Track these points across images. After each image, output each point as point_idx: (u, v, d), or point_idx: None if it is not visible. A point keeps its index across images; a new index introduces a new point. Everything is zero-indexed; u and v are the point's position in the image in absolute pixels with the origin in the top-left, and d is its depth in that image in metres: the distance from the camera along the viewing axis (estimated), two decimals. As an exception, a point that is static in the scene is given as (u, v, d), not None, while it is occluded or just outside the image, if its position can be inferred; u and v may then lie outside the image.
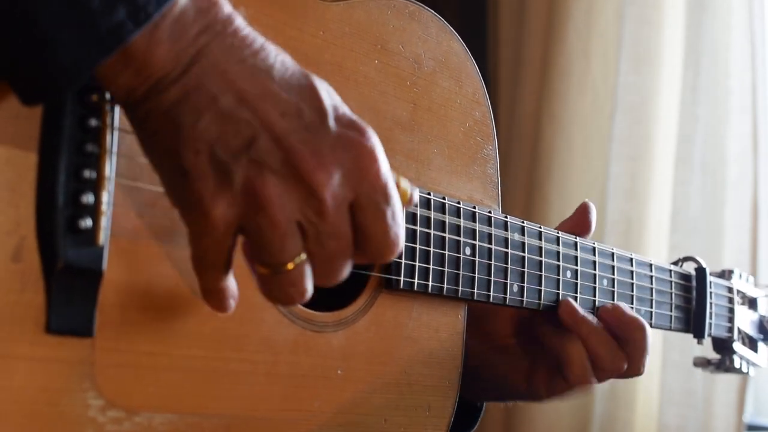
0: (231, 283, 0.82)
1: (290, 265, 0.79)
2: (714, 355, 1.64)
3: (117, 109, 0.80)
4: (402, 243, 0.83)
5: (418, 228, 1.07)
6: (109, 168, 0.79)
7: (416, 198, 0.88)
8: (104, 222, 0.79)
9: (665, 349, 2.38)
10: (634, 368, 1.25)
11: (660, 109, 2.46)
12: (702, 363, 1.65)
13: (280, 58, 0.78)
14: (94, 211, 0.78)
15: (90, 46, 0.70)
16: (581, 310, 1.24)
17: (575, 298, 1.26)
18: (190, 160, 0.75)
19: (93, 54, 0.71)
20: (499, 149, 1.24)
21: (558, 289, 1.23)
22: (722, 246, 2.41)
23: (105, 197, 0.79)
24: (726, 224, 2.42)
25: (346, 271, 0.83)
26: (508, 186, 2.57)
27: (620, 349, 1.24)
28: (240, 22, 0.77)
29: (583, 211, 1.32)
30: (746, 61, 2.43)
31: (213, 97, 0.75)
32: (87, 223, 0.78)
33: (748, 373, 1.67)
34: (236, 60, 0.76)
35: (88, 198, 0.78)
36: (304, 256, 0.80)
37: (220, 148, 0.75)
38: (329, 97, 0.80)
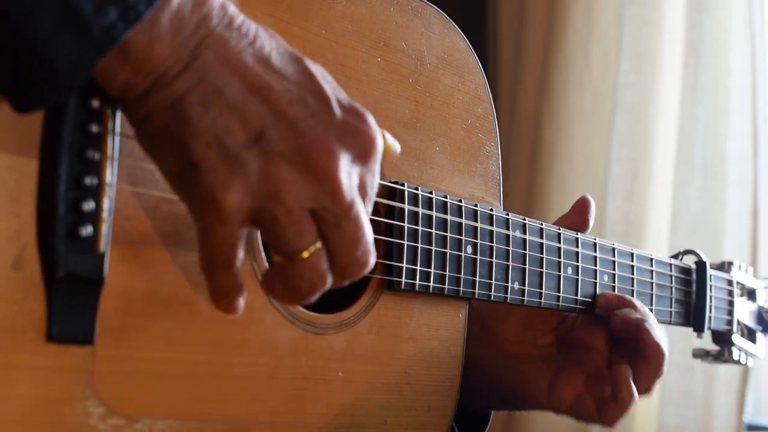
0: (240, 281, 0.81)
1: (306, 253, 0.79)
2: (713, 347, 1.63)
3: (119, 115, 0.80)
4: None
5: (420, 228, 1.07)
6: (110, 174, 0.79)
7: (398, 149, 0.90)
8: (105, 229, 0.78)
9: (665, 349, 2.38)
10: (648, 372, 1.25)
11: (660, 109, 2.46)
12: (701, 354, 1.65)
13: (274, 44, 0.79)
14: (94, 218, 0.78)
15: (85, 50, 0.70)
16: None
17: (575, 294, 1.25)
18: (199, 153, 0.75)
19: (88, 57, 0.71)
20: (500, 148, 1.24)
21: (559, 287, 1.23)
22: (722, 246, 2.41)
23: (106, 204, 0.78)
24: (726, 224, 2.41)
25: (369, 257, 0.83)
26: (508, 186, 2.56)
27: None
28: (233, 9, 0.77)
29: (581, 207, 1.32)
30: (746, 61, 2.43)
31: (218, 89, 0.75)
32: (88, 230, 0.77)
33: (746, 364, 1.67)
34: (236, 51, 0.76)
35: (89, 205, 0.77)
36: (319, 244, 0.80)
37: (230, 139, 0.75)
38: (326, 81, 0.80)
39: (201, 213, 0.77)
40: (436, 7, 1.15)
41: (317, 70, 0.80)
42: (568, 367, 1.26)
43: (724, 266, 1.62)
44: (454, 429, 1.25)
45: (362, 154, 0.80)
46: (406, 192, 1.06)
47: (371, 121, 0.81)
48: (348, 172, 0.79)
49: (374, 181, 0.83)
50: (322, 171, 0.77)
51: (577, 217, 1.31)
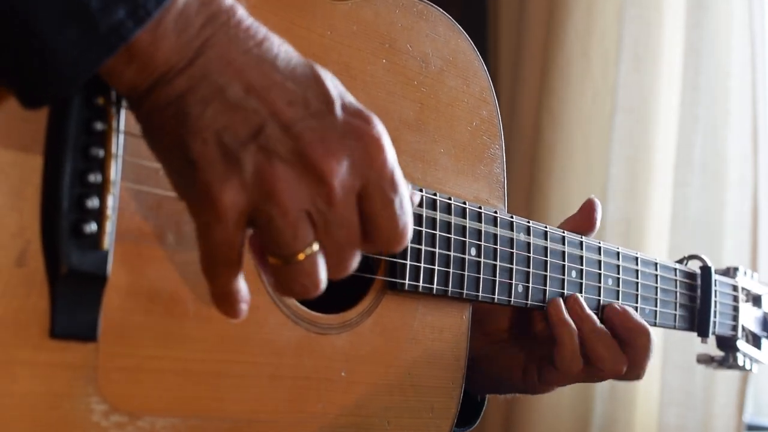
0: (243, 285, 0.81)
1: (301, 255, 0.78)
2: (717, 352, 1.64)
3: (123, 113, 0.79)
4: (410, 232, 0.82)
5: (423, 229, 1.07)
6: (115, 172, 0.79)
7: (417, 199, 0.88)
8: (109, 226, 0.78)
9: (666, 349, 2.38)
10: (635, 372, 1.26)
11: (660, 109, 2.46)
12: (705, 360, 1.65)
13: (283, 48, 0.78)
14: (98, 215, 0.78)
15: (91, 46, 0.70)
16: (586, 308, 1.24)
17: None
18: (197, 150, 0.75)
19: (95, 54, 0.70)
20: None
21: (563, 289, 1.23)
22: (722, 247, 2.41)
23: (110, 201, 0.78)
24: (726, 225, 2.42)
25: (355, 261, 0.82)
26: (508, 186, 2.56)
27: (622, 351, 1.24)
28: (242, 12, 0.77)
29: (588, 209, 1.32)
30: (746, 61, 2.43)
31: (219, 87, 0.75)
32: (92, 227, 0.77)
33: (750, 369, 1.68)
34: (241, 50, 0.76)
35: (93, 202, 0.77)
36: (316, 247, 0.79)
37: (228, 136, 0.75)
38: (334, 85, 0.79)
39: (198, 211, 0.77)
40: (441, 10, 1.14)
41: (327, 75, 0.79)
42: (535, 350, 1.28)
43: (730, 272, 1.62)
44: None
45: (365, 157, 0.79)
46: None
47: (378, 124, 0.80)
48: (345, 176, 0.78)
49: (387, 186, 0.80)
50: (318, 172, 0.76)
51: (584, 219, 1.32)
